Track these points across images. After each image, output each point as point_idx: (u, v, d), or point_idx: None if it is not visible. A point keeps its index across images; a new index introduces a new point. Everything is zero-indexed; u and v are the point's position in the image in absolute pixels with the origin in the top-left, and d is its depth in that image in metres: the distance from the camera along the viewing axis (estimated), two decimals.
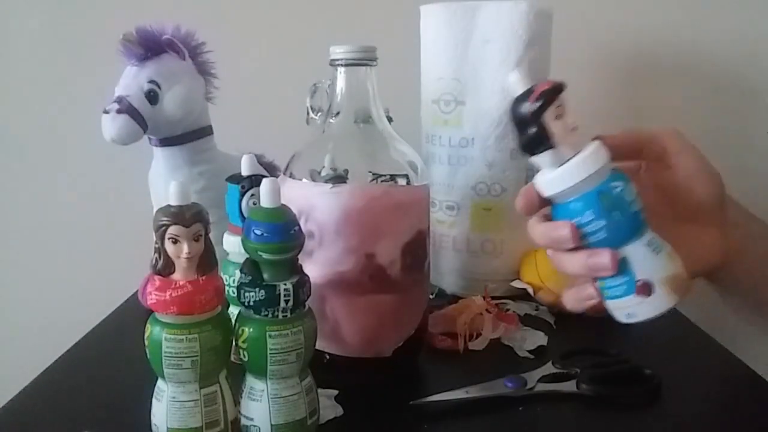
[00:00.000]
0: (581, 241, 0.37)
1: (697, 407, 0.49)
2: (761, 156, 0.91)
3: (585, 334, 0.62)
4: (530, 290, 0.67)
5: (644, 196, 0.38)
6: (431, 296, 0.62)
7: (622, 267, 0.37)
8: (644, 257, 0.37)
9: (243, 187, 0.49)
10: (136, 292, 0.66)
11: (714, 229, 0.42)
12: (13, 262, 0.98)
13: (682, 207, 0.42)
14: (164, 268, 0.37)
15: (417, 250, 0.50)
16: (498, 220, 0.69)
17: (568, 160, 0.36)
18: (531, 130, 0.36)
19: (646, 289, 0.37)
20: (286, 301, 0.39)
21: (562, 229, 0.37)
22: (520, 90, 0.36)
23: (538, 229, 0.39)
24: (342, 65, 0.50)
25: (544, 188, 0.38)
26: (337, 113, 0.51)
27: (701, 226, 0.42)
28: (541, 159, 0.37)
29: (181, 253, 0.37)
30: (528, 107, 0.36)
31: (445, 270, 0.72)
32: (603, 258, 0.37)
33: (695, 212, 0.42)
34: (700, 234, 0.42)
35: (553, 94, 0.35)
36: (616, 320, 0.39)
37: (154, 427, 0.39)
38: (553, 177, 0.37)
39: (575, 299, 0.40)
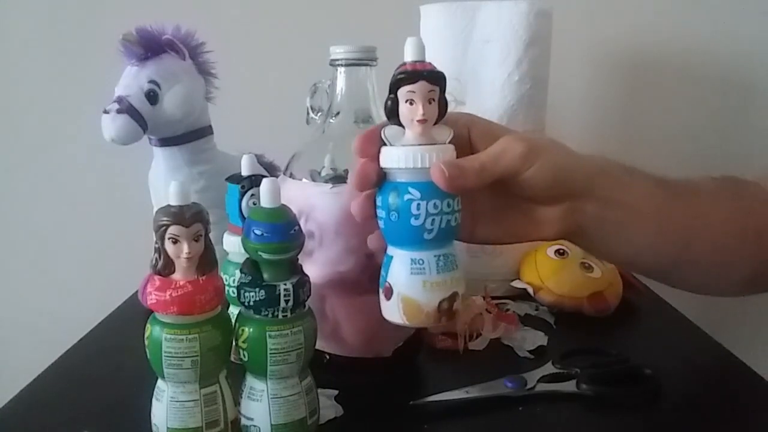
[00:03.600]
0: (370, 215, 0.39)
1: (697, 407, 0.49)
2: (761, 154, 0.91)
3: (585, 334, 0.63)
4: (530, 290, 0.67)
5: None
6: None
7: (386, 262, 0.38)
8: (401, 268, 0.37)
9: (243, 187, 0.49)
10: (136, 292, 0.66)
11: (553, 208, 0.41)
12: (13, 262, 0.98)
13: (516, 191, 0.41)
14: (164, 268, 0.37)
15: None
16: None
17: (400, 144, 0.37)
18: (388, 98, 0.37)
19: (387, 292, 0.38)
20: (286, 301, 0.39)
21: (356, 199, 0.40)
22: (407, 56, 0.37)
23: (357, 166, 0.39)
24: (342, 65, 0.50)
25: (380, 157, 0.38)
26: (337, 113, 0.51)
27: (539, 205, 0.41)
28: (388, 129, 0.38)
29: (181, 253, 0.37)
30: (394, 75, 0.37)
31: None
32: (370, 239, 0.40)
33: (529, 194, 0.41)
34: (536, 212, 0.42)
35: (405, 80, 0.36)
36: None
37: (154, 427, 0.39)
38: (382, 151, 0.38)
39: None
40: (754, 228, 0.45)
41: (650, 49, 0.90)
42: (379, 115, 0.51)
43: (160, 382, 0.39)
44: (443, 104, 0.37)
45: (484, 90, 0.67)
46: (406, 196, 0.36)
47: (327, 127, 0.51)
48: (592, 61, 0.90)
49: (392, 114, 0.37)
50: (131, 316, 0.62)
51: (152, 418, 0.40)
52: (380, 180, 0.38)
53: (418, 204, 0.36)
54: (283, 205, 0.40)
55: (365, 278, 0.47)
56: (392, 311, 0.38)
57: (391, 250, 0.38)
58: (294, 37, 0.88)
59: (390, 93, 0.37)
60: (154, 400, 0.40)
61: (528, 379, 0.49)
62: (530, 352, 0.56)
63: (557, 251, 0.69)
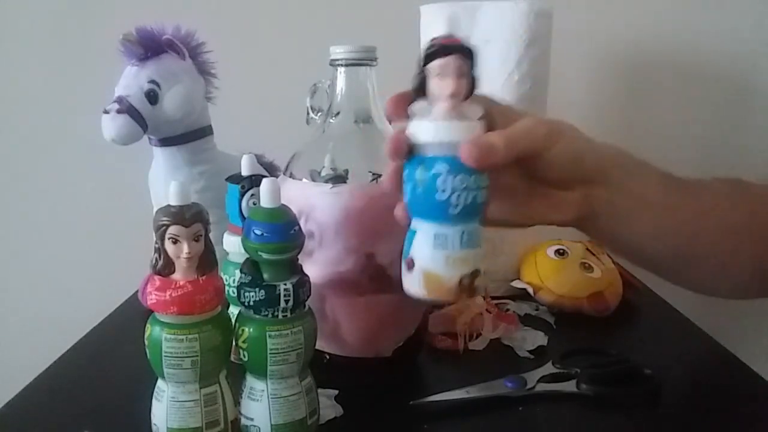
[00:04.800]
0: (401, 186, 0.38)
1: (697, 407, 0.49)
2: (759, 155, 0.91)
3: (585, 334, 0.63)
4: (530, 290, 0.67)
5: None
6: None
7: (410, 235, 0.38)
8: (424, 241, 0.37)
9: (243, 187, 0.49)
10: (136, 292, 0.66)
11: (571, 192, 0.42)
12: (13, 262, 0.98)
13: (535, 173, 0.41)
14: (164, 268, 0.37)
15: None
16: None
17: (427, 119, 0.37)
18: (417, 73, 0.37)
19: (409, 264, 0.37)
20: (286, 301, 0.39)
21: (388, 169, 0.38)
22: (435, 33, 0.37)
23: (392, 135, 0.38)
24: (342, 65, 0.50)
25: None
26: (337, 113, 0.51)
27: (556, 189, 0.42)
28: (417, 105, 0.37)
29: (181, 253, 0.37)
30: (423, 50, 0.36)
31: None
32: (396, 208, 0.39)
33: (548, 176, 0.41)
34: (553, 196, 0.42)
35: (436, 54, 0.36)
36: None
37: (154, 427, 0.40)
38: (411, 124, 0.37)
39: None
40: (758, 229, 0.45)
41: (650, 49, 0.90)
42: (379, 115, 0.51)
43: (160, 382, 0.40)
44: (473, 81, 0.37)
45: (484, 90, 0.66)
46: (433, 170, 0.36)
47: (327, 127, 0.51)
48: (592, 61, 0.90)
49: (419, 91, 0.37)
50: (131, 316, 0.62)
51: (152, 418, 0.40)
52: (411, 152, 0.37)
53: (445, 179, 0.36)
54: (283, 205, 0.40)
55: (365, 278, 0.48)
56: (413, 284, 0.38)
57: (416, 224, 0.38)
58: (294, 37, 0.88)
59: (419, 69, 0.36)
60: (154, 400, 0.40)
61: (528, 379, 0.49)
62: (530, 352, 0.56)
63: (557, 251, 0.69)
